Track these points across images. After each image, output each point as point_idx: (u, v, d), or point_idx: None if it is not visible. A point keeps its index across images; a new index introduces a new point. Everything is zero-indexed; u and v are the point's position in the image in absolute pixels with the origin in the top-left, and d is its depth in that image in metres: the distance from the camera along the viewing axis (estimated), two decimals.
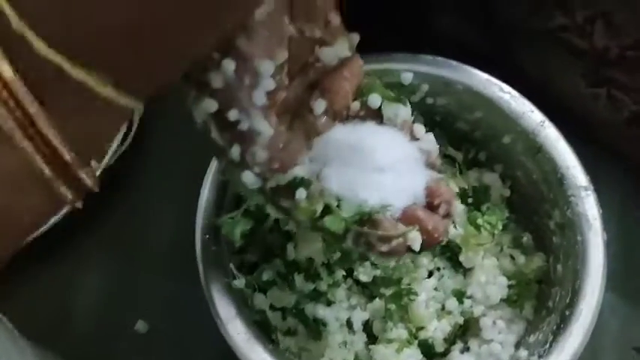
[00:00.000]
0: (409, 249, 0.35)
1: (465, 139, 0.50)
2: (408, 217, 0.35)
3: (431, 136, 0.38)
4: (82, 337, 0.52)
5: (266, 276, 0.45)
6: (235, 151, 0.32)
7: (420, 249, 0.35)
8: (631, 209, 0.54)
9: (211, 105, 0.32)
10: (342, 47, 0.36)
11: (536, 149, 0.46)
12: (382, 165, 0.35)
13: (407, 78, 0.46)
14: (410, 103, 0.47)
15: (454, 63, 0.47)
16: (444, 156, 0.50)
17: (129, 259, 0.54)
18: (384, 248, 0.34)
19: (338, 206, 0.34)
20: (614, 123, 0.50)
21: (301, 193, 0.33)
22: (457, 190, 0.48)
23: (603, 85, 0.49)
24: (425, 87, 0.47)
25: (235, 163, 0.33)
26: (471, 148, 0.50)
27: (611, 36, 0.45)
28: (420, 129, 0.38)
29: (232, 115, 0.31)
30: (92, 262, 0.54)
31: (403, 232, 0.34)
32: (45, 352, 0.46)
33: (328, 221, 0.34)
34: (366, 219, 0.34)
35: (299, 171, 0.34)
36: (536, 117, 0.46)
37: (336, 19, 0.35)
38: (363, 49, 0.45)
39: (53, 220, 0.50)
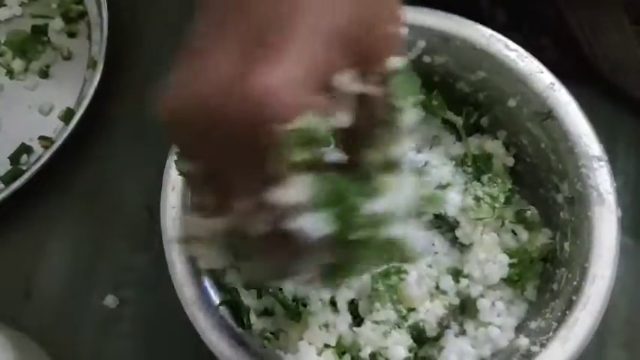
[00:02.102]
0: None
1: (465, 102, 0.46)
2: None
3: None
4: (47, 311, 0.49)
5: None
6: None
7: None
8: None
9: None
10: None
11: (545, 114, 0.42)
12: None
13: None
14: None
15: (454, 16, 0.43)
16: (443, 121, 0.47)
17: (100, 228, 0.51)
18: None
19: None
20: None
21: None
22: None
23: None
24: (421, 43, 0.44)
25: None
26: (473, 113, 0.46)
27: None
28: None
29: None
30: (61, 230, 0.51)
31: None
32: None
33: None
34: None
35: None
36: (545, 78, 0.42)
37: None
38: None
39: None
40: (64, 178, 0.51)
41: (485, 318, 0.42)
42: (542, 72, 0.42)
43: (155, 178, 0.44)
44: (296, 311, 0.41)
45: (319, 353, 0.41)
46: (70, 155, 0.50)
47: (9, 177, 0.50)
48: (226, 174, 0.26)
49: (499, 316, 0.42)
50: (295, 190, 0.25)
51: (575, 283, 0.39)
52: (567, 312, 0.38)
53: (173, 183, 0.41)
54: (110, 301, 0.48)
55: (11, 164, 0.52)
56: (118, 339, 0.48)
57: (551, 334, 0.38)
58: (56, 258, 0.50)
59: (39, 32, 0.55)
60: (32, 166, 0.49)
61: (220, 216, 0.27)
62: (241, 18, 0.26)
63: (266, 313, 0.42)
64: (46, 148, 0.51)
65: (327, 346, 0.41)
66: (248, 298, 0.42)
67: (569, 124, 0.41)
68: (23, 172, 0.49)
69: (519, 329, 0.42)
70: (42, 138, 0.52)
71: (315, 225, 0.25)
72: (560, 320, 0.38)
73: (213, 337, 0.36)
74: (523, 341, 0.40)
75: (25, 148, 0.52)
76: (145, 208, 0.50)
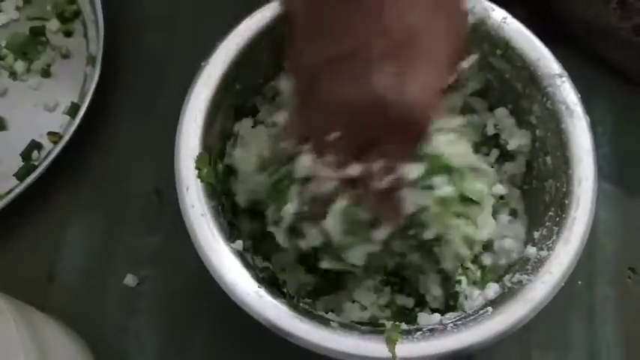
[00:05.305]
0: None
1: None
2: None
3: None
4: (71, 294, 0.50)
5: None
6: None
7: None
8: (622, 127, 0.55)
9: None
10: None
11: (504, 47, 0.45)
12: None
13: None
14: None
15: None
16: None
17: (114, 213, 0.52)
18: None
19: None
20: (620, 30, 0.51)
21: None
22: None
23: None
24: None
25: None
26: None
27: None
28: None
29: None
30: (77, 218, 0.52)
31: None
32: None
33: None
34: None
35: None
36: (497, 15, 0.45)
37: None
38: None
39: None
40: (75, 170, 0.53)
41: (501, 231, 0.45)
42: (494, 9, 0.45)
43: (160, 162, 0.45)
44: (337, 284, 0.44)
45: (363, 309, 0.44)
46: (79, 147, 0.52)
47: (22, 173, 0.51)
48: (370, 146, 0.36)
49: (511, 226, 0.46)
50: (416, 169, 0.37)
51: (564, 189, 0.42)
52: (563, 215, 0.41)
53: (186, 183, 0.41)
54: (130, 280, 0.50)
55: (23, 161, 0.53)
56: (140, 315, 0.49)
57: (554, 237, 0.41)
58: (75, 244, 0.51)
59: (37, 34, 0.57)
60: (44, 160, 0.50)
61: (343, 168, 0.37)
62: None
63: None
64: (55, 142, 0.52)
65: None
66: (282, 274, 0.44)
67: (528, 51, 0.44)
68: (35, 167, 0.50)
69: (525, 243, 0.45)
70: (50, 133, 0.53)
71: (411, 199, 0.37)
72: (560, 224, 0.41)
73: (263, 310, 0.38)
74: (531, 250, 0.42)
75: (35, 145, 0.53)
76: (153, 191, 0.52)
